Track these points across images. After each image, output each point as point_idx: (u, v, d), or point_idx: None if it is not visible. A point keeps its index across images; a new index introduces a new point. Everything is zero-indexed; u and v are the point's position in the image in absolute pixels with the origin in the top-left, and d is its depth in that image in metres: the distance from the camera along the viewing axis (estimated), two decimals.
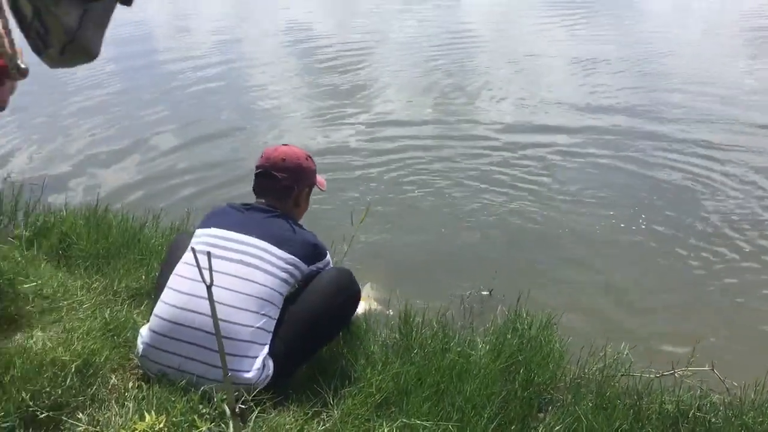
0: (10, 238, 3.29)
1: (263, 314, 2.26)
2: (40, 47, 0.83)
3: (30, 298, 2.65)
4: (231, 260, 2.32)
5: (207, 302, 1.66)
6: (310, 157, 2.75)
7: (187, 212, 4.09)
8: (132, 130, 6.98)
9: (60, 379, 2.09)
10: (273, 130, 7.11)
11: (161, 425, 1.96)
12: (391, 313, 3.18)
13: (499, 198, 5.21)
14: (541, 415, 2.51)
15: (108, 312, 2.60)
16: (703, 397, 2.63)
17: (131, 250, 3.26)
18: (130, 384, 2.26)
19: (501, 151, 6.24)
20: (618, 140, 6.50)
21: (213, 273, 1.69)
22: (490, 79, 9.05)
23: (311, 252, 2.48)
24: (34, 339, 2.32)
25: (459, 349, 2.67)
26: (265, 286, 2.29)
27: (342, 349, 2.60)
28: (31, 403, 1.97)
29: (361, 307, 2.74)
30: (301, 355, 2.42)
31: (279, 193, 2.60)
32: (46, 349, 2.22)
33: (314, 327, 2.42)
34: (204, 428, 2.00)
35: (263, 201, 2.59)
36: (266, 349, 2.26)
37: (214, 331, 1.81)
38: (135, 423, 1.98)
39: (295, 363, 2.40)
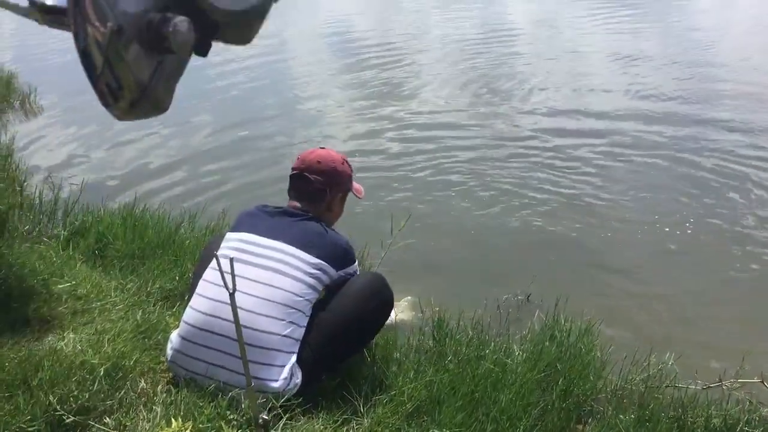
0: (45, 239, 3.33)
1: (290, 322, 2.21)
2: (109, 101, 0.79)
3: (64, 299, 2.66)
4: (256, 265, 2.28)
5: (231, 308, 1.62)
6: (347, 162, 2.68)
7: (223, 212, 4.07)
8: (170, 126, 7.00)
9: (88, 382, 2.07)
10: (310, 129, 7.09)
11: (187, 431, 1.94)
12: (424, 318, 3.12)
13: (538, 199, 5.07)
14: (581, 427, 2.44)
15: (140, 313, 2.60)
16: (751, 411, 2.51)
17: (166, 251, 3.25)
18: (159, 388, 2.23)
19: (540, 150, 6.09)
20: (662, 139, 6.27)
21: (238, 279, 1.65)
22: (530, 77, 8.88)
23: (341, 255, 2.42)
24: (65, 341, 2.32)
25: (495, 356, 2.58)
26: (290, 292, 2.24)
27: (373, 356, 2.55)
28: (58, 407, 1.95)
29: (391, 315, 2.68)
30: (332, 361, 2.37)
31: (312, 196, 2.54)
32: (76, 352, 2.22)
33: (346, 332, 2.37)
34: None
35: (296, 204, 2.54)
36: (294, 357, 2.21)
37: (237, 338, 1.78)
38: (162, 429, 1.95)
39: (325, 369, 2.36)
